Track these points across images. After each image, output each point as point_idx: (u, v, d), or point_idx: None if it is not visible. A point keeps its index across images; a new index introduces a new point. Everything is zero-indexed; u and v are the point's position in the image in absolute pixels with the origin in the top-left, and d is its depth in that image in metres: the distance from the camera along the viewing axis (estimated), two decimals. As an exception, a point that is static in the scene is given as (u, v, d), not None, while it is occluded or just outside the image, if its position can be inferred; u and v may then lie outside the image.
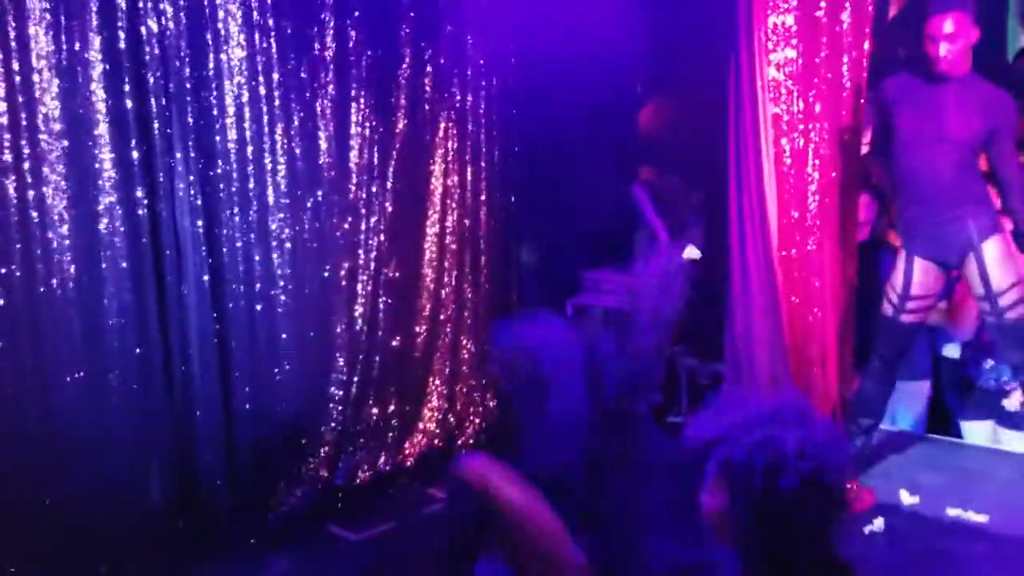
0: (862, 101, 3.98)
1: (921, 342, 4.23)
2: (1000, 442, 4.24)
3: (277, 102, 3.86)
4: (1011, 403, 4.13)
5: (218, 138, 3.67)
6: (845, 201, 4.03)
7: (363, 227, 4.26)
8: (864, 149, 4.26)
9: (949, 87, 3.52)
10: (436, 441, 4.62)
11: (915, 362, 4.27)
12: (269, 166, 3.85)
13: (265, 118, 3.82)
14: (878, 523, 3.59)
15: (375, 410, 4.34)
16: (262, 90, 3.80)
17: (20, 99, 3.17)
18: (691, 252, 2.96)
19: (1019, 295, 3.53)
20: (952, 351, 4.39)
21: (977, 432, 4.33)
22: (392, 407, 4.41)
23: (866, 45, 3.93)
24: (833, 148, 3.93)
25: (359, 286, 4.25)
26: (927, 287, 3.73)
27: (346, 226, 4.19)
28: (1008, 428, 4.18)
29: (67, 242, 3.30)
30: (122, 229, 3.43)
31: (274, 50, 3.83)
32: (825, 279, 3.95)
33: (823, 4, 3.84)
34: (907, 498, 3.79)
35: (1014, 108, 3.52)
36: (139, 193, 3.46)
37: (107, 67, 3.33)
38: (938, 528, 3.58)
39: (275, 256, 3.89)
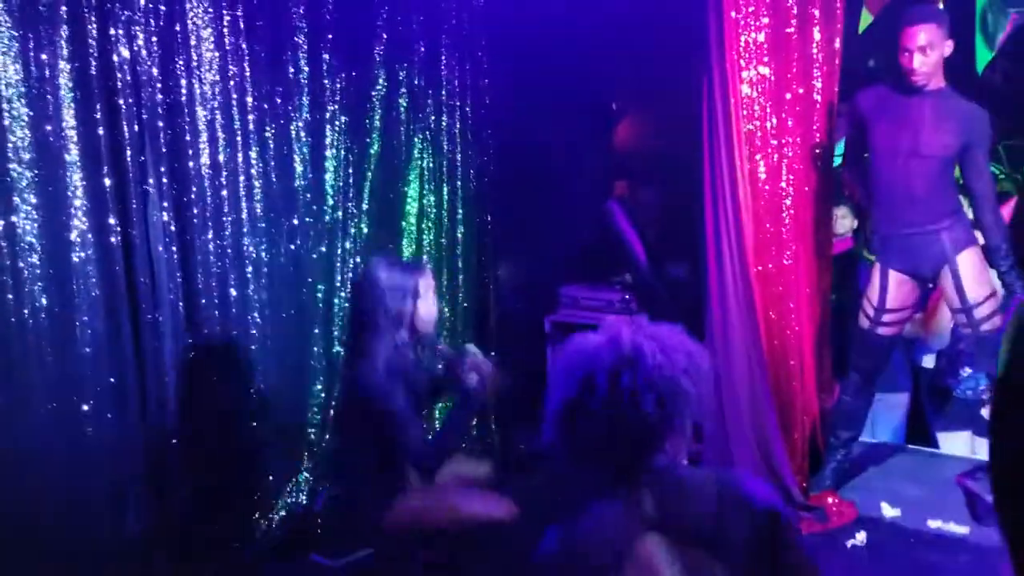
0: (834, 115, 4.02)
1: (899, 354, 4.26)
2: (977, 452, 4.26)
3: (251, 126, 3.85)
4: (988, 413, 4.15)
5: (192, 163, 3.64)
6: (819, 215, 4.06)
7: (339, 249, 4.25)
8: (837, 162, 4.29)
9: (924, 101, 3.54)
10: (417, 463, 4.58)
11: (894, 374, 4.30)
12: (244, 190, 3.83)
13: (239, 142, 3.80)
14: (860, 537, 3.60)
15: (354, 434, 4.31)
16: (236, 114, 3.78)
17: (-11, 127, 3.13)
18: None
19: (994, 307, 3.56)
20: (929, 361, 4.42)
21: (954, 442, 4.35)
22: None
23: (837, 60, 3.97)
24: (806, 163, 3.96)
25: (336, 309, 4.22)
26: (903, 300, 3.76)
27: (322, 249, 4.18)
28: (985, 438, 4.20)
29: (38, 271, 3.25)
30: (95, 257, 3.38)
31: (247, 74, 3.82)
32: (802, 293, 3.98)
33: (794, 21, 3.88)
34: (888, 510, 3.80)
35: (987, 121, 3.55)
36: (112, 220, 3.42)
37: (78, 94, 3.29)
38: (920, 540, 3.59)
39: (251, 281, 3.86)
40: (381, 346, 3.00)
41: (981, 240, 3.64)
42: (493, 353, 4.96)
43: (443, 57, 4.68)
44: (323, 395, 4.16)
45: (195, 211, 3.67)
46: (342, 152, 4.23)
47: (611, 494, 1.74)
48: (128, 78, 3.42)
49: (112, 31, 3.37)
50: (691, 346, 1.77)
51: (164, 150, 3.56)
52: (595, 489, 1.77)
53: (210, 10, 3.66)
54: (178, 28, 3.58)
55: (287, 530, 3.95)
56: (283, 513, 3.98)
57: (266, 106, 3.91)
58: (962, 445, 4.32)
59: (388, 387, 2.94)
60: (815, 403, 4.12)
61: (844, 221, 4.60)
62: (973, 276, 3.56)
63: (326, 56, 4.12)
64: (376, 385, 2.93)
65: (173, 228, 3.60)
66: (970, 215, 3.74)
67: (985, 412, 4.16)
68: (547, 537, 1.78)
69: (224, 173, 3.75)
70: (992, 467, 1.40)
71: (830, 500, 3.79)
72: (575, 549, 1.74)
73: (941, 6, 3.85)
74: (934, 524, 3.67)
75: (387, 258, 3.28)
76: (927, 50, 3.45)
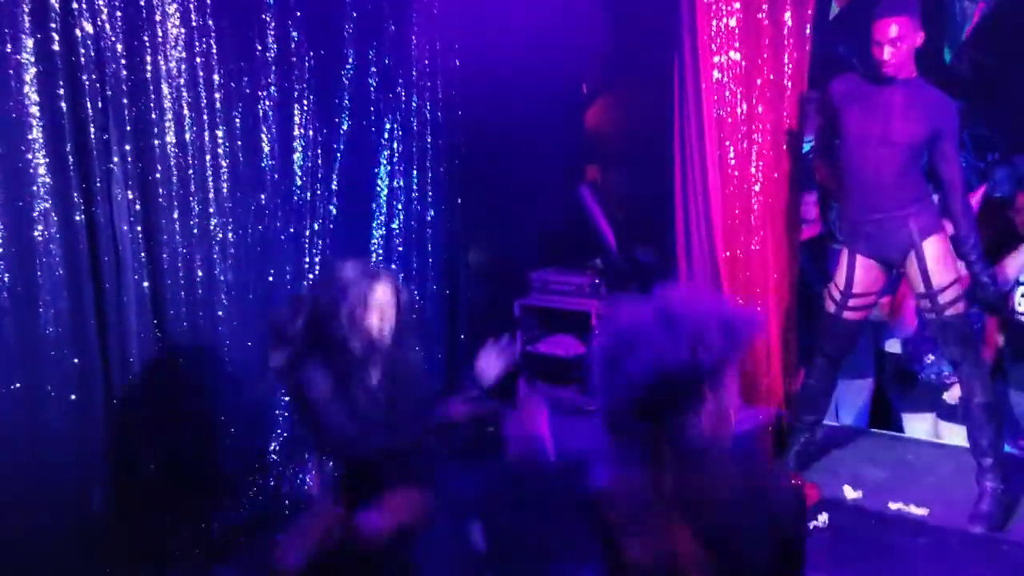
0: (804, 102, 4.05)
1: (864, 339, 4.30)
2: (940, 436, 4.33)
3: (218, 104, 3.80)
4: (951, 397, 4.22)
5: (157, 141, 3.59)
6: (788, 201, 4.09)
7: (308, 231, 4.21)
8: (804, 147, 4.32)
9: (895, 90, 3.57)
10: (385, 444, 4.58)
11: (858, 358, 4.34)
12: (210, 169, 3.78)
13: (206, 121, 3.75)
14: (822, 518, 3.65)
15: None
16: (202, 92, 3.73)
17: (-51, 103, 3.08)
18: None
19: (958, 292, 3.61)
20: (894, 346, 4.47)
21: (918, 426, 4.41)
22: (339, 412, 4.37)
23: (807, 46, 3.99)
24: (776, 149, 3.99)
25: (304, 291, 4.19)
26: (869, 284, 3.80)
27: (291, 230, 4.14)
28: (948, 421, 4.28)
29: (0, 249, 3.21)
30: (58, 235, 3.33)
31: (214, 51, 3.76)
32: (769, 278, 4.01)
33: (765, 7, 3.90)
34: (850, 493, 3.85)
35: (956, 110, 3.58)
36: (75, 198, 3.37)
37: (40, 69, 3.23)
38: (881, 522, 3.64)
39: (217, 261, 3.83)
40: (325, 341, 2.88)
41: (949, 228, 3.69)
42: (463, 336, 4.98)
43: (413, 37, 4.64)
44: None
45: (160, 190, 3.62)
46: (311, 132, 4.19)
47: (637, 462, 1.77)
48: (91, 54, 3.36)
49: (75, 4, 3.31)
50: (735, 323, 1.74)
51: (128, 128, 3.50)
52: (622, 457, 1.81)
53: (176, -15, 3.61)
54: (143, 3, 3.52)
55: (254, 511, 3.93)
56: (250, 493, 3.96)
57: (233, 84, 3.85)
58: (926, 428, 4.39)
59: (313, 376, 2.84)
60: (780, 386, 4.16)
61: (813, 208, 4.64)
62: (938, 262, 3.61)
63: (294, 34, 4.07)
64: (307, 376, 2.86)
65: (138, 207, 3.56)
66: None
67: (947, 396, 4.23)
68: (593, 477, 1.84)
69: (190, 152, 3.70)
70: None
71: (793, 482, 3.83)
72: (607, 497, 1.80)
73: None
74: (895, 506, 3.72)
75: (356, 261, 3.07)
76: (898, 42, 3.48)
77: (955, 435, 4.22)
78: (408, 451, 3.02)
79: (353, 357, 2.86)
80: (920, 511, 3.68)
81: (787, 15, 3.92)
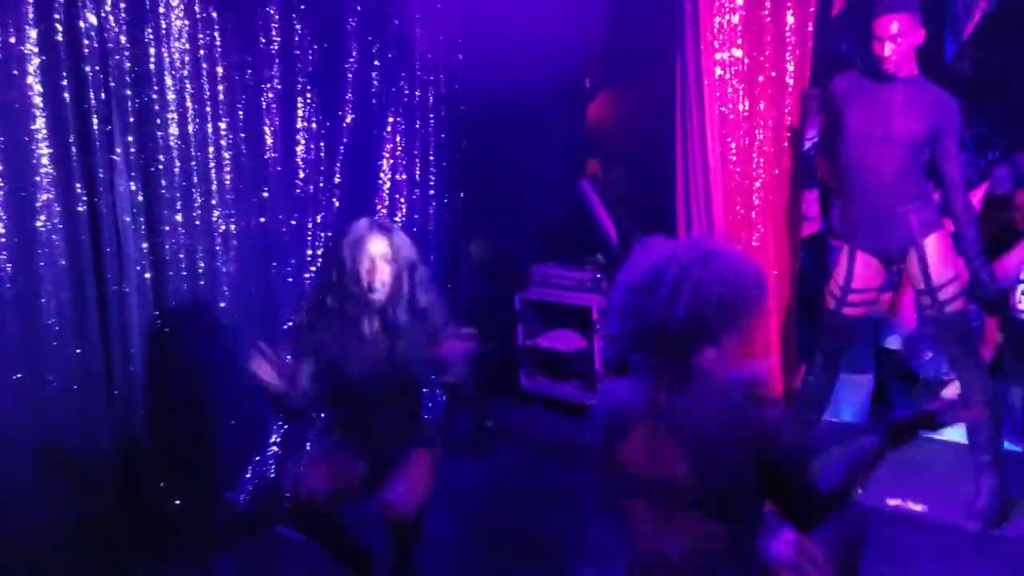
0: (806, 99, 4.05)
1: (864, 335, 4.31)
2: (939, 432, 4.34)
3: (221, 96, 3.80)
4: (949, 394, 4.22)
5: (160, 133, 3.60)
6: (789, 198, 4.10)
7: (310, 223, 4.22)
8: (808, 146, 4.33)
9: (896, 87, 3.58)
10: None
11: (858, 355, 4.36)
12: (213, 162, 3.79)
13: (209, 113, 3.76)
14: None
15: (323, 408, 4.31)
16: (205, 84, 3.74)
17: (-47, 93, 3.08)
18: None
19: (957, 289, 3.62)
20: (894, 343, 4.48)
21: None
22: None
23: (809, 44, 3.99)
24: (777, 146, 3.99)
25: (307, 283, 4.20)
26: (868, 281, 3.81)
27: (292, 222, 4.15)
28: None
29: (3, 240, 3.21)
30: (60, 226, 3.34)
31: (217, 43, 3.77)
32: (769, 275, 4.01)
33: (768, 4, 3.90)
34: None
35: (957, 108, 3.59)
36: (78, 189, 3.38)
37: (44, 60, 3.24)
38: (878, 517, 3.65)
39: (219, 253, 3.84)
40: (318, 297, 3.07)
41: (950, 226, 3.70)
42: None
43: (417, 31, 4.65)
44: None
45: (163, 182, 3.63)
46: (313, 125, 4.19)
47: (642, 375, 2.03)
48: (95, 45, 3.37)
49: (79, -4, 3.31)
50: (741, 277, 1.95)
51: (131, 119, 3.51)
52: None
53: (180, -23, 3.62)
54: (146, -6, 3.52)
55: (255, 502, 3.94)
56: (251, 486, 3.97)
57: (236, 76, 3.86)
58: (924, 426, 4.39)
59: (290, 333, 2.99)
60: (780, 383, 4.17)
61: (815, 205, 4.65)
62: (939, 258, 3.61)
63: (298, 27, 4.07)
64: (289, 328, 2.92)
65: (140, 198, 3.57)
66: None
67: (945, 393, 4.24)
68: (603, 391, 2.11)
69: (193, 144, 3.71)
70: None
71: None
72: (606, 410, 2.09)
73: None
74: (893, 502, 3.73)
75: (370, 217, 3.23)
76: (899, 39, 3.48)
77: (954, 432, 4.24)
78: (406, 392, 3.17)
79: (348, 305, 3.03)
80: (918, 507, 3.70)
81: (790, 12, 3.92)
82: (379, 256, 3.00)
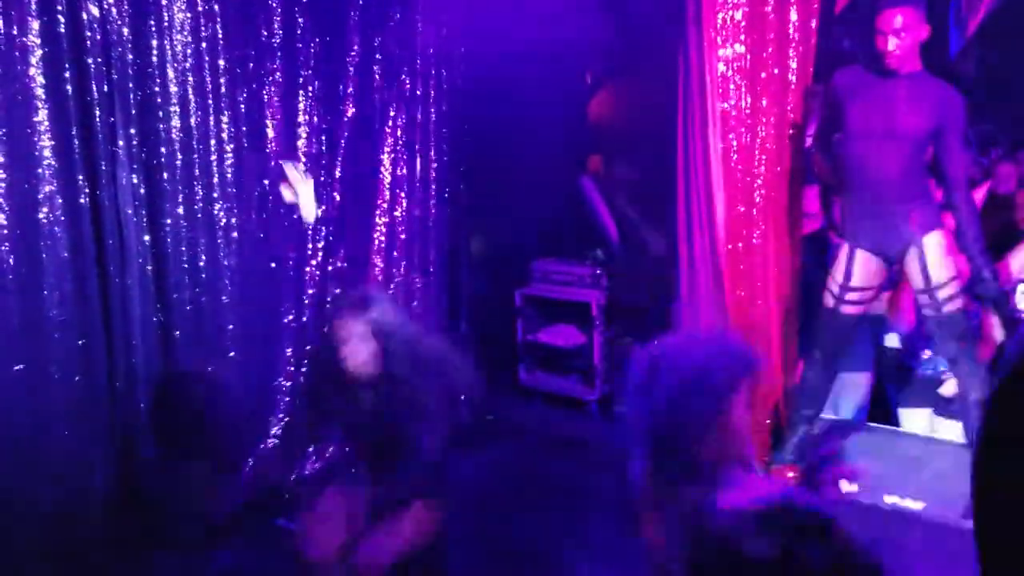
0: (809, 96, 4.04)
1: (863, 333, 4.31)
2: (936, 430, 4.34)
3: (223, 89, 3.81)
4: (946, 391, 4.23)
5: (162, 125, 3.61)
6: (790, 195, 4.09)
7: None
8: (808, 142, 4.32)
9: (899, 83, 3.56)
10: (385, 431, 4.61)
11: (856, 353, 4.35)
12: (215, 154, 3.80)
13: (210, 105, 3.77)
14: (818, 511, 3.66)
15: (323, 400, 4.32)
16: (207, 77, 3.75)
17: (-45, 85, 3.09)
18: None
19: (956, 288, 3.62)
20: (893, 340, 4.48)
21: (914, 420, 4.43)
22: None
23: (812, 40, 3.99)
24: (779, 143, 3.99)
25: (307, 276, 4.21)
26: (868, 279, 3.80)
27: (294, 216, 4.14)
28: (944, 417, 4.29)
29: (5, 231, 3.22)
30: (63, 218, 3.35)
31: (219, 36, 3.78)
32: (770, 272, 4.02)
33: (771, 0, 3.89)
34: (846, 486, 3.87)
35: (961, 104, 3.56)
36: (80, 181, 3.39)
37: (46, 51, 3.25)
38: (876, 515, 3.66)
39: (221, 246, 3.85)
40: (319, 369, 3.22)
41: (950, 223, 3.69)
42: (464, 324, 4.99)
43: (419, 25, 4.65)
44: (293, 360, 4.15)
45: (165, 174, 3.64)
46: (315, 119, 4.20)
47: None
48: (98, 37, 3.38)
49: (82, -12, 3.32)
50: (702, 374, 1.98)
51: (134, 112, 3.53)
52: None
53: (182, -30, 3.62)
54: (149, -13, 3.53)
55: (255, 494, 3.95)
56: (251, 478, 3.99)
57: (238, 70, 3.87)
58: (922, 423, 4.40)
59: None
60: (780, 380, 4.17)
61: (816, 201, 4.64)
62: (938, 257, 3.61)
63: (300, 20, 4.07)
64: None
65: (143, 191, 3.58)
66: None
67: (942, 391, 4.24)
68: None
69: (195, 136, 3.72)
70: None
71: (790, 475, 3.86)
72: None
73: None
74: (890, 500, 3.74)
75: (349, 293, 3.33)
76: (902, 33, 3.47)
77: (951, 430, 4.24)
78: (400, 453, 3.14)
79: (344, 378, 3.07)
80: (915, 505, 3.70)
81: (793, 9, 3.91)
82: (356, 337, 3.00)
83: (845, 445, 4.09)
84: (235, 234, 3.88)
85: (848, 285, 3.77)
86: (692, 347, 2.01)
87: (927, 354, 4.23)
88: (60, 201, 3.34)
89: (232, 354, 3.88)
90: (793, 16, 3.92)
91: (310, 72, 4.14)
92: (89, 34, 3.34)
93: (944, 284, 3.59)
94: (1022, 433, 1.17)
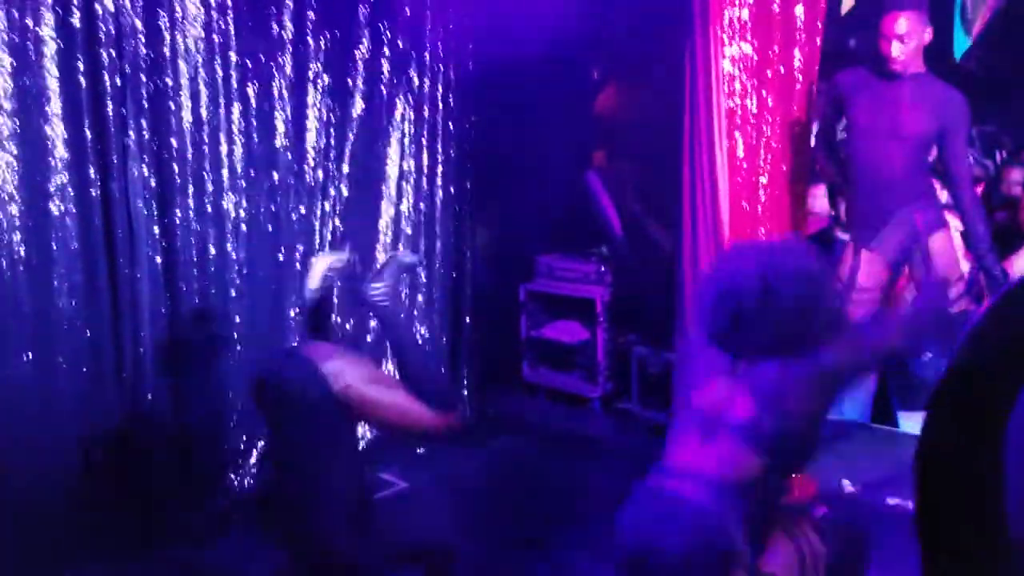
0: (815, 95, 4.06)
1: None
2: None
3: (234, 83, 3.83)
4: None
5: (173, 118, 3.63)
6: (794, 194, 4.11)
7: (319, 210, 4.25)
8: (812, 141, 4.34)
9: (903, 84, 3.58)
10: (389, 424, 4.63)
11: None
12: (224, 147, 3.82)
13: (221, 99, 3.78)
14: (819, 511, 3.68)
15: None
16: (218, 70, 3.76)
17: (-31, 76, 3.11)
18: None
19: (962, 289, 3.64)
20: (895, 341, 4.50)
21: (916, 422, 4.45)
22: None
23: (818, 40, 4.00)
24: (784, 142, 4.01)
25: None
26: (873, 279, 3.82)
27: (302, 209, 4.17)
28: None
29: (17, 222, 3.25)
30: (74, 209, 3.38)
31: (231, 30, 3.79)
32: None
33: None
34: (848, 487, 3.90)
35: (965, 105, 3.59)
36: (92, 173, 3.41)
37: (60, 44, 3.27)
38: (877, 516, 3.69)
39: (229, 238, 3.86)
40: None
41: (954, 223, 3.71)
42: (468, 319, 5.01)
43: (428, 20, 4.65)
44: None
45: (175, 167, 3.66)
46: (324, 112, 4.21)
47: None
48: (111, 30, 3.40)
49: (96, -19, 3.34)
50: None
51: (146, 104, 3.54)
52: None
53: (195, -36, 3.64)
54: (163, -20, 3.55)
55: (257, 488, 3.97)
56: (255, 469, 4.01)
57: (249, 63, 3.88)
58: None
59: None
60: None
61: (822, 200, 4.66)
62: (943, 258, 3.64)
63: (311, 14, 4.08)
64: None
65: (153, 183, 3.60)
66: (944, 198, 3.81)
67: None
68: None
69: (205, 129, 3.74)
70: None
71: (792, 475, 3.88)
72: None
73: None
74: (892, 501, 3.76)
75: None
76: (906, 37, 3.49)
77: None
78: None
79: None
80: (916, 505, 3.72)
81: (799, 8, 3.93)
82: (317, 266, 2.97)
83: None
84: (244, 227, 3.90)
85: (854, 285, 3.79)
86: (787, 256, 2.12)
87: (928, 355, 4.25)
88: (72, 193, 3.37)
89: (239, 347, 3.90)
90: (800, 15, 3.94)
91: (320, 66, 4.16)
92: (103, 26, 3.37)
93: (950, 285, 3.61)
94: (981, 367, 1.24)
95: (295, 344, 3.77)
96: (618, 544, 2.19)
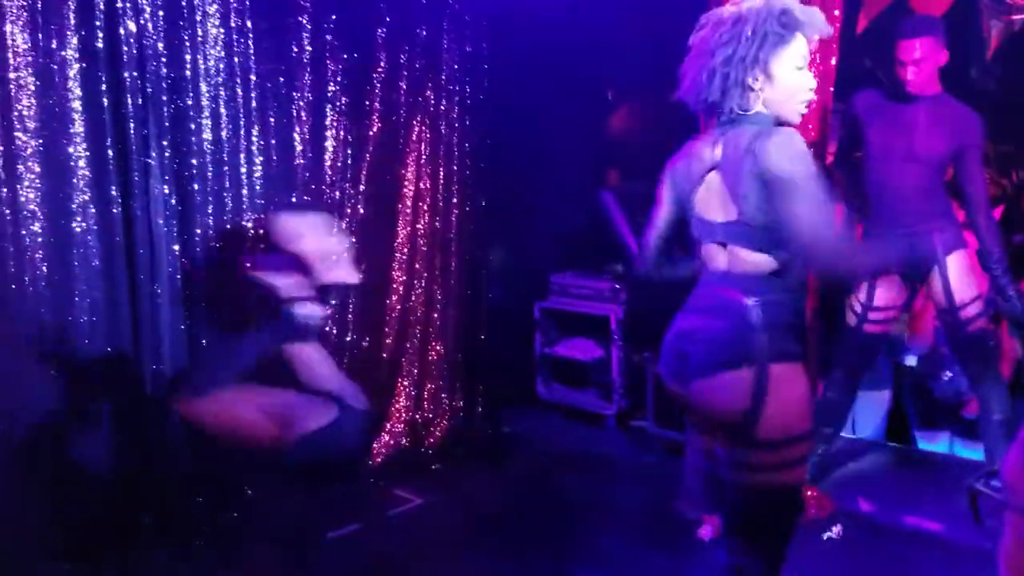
0: (830, 115, 4.07)
1: (883, 352, 4.33)
2: (956, 452, 4.35)
3: (253, 103, 3.88)
4: (967, 414, 4.24)
5: (193, 138, 3.67)
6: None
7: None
8: (828, 159, 4.35)
9: (919, 106, 3.59)
10: (404, 441, 4.65)
11: (877, 371, 4.37)
12: (244, 167, 3.86)
13: (241, 119, 3.83)
14: (836, 529, 3.68)
15: (344, 411, 4.35)
16: (238, 91, 3.81)
17: (-5, 96, 3.16)
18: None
19: (979, 309, 3.63)
20: (912, 360, 4.49)
21: (933, 440, 4.44)
22: (360, 408, 4.43)
23: (833, 60, 4.01)
24: (800, 162, 4.01)
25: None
26: (890, 299, 3.82)
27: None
28: (964, 439, 4.30)
29: (40, 239, 3.29)
30: (95, 227, 3.42)
31: (251, 51, 3.84)
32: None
33: (793, 20, 3.92)
34: (865, 505, 3.89)
35: (981, 125, 3.59)
36: (113, 192, 3.46)
37: (84, 65, 3.32)
38: (894, 535, 3.67)
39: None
40: None
41: (973, 242, 3.71)
42: (483, 336, 5.03)
43: (444, 42, 4.71)
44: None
45: (195, 186, 3.70)
46: (342, 132, 4.26)
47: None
48: (134, 51, 3.45)
49: (119, 3, 3.40)
50: None
51: (167, 124, 3.59)
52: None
53: (216, -14, 3.69)
54: (184, 3, 3.60)
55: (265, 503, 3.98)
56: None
57: (269, 84, 3.93)
58: (941, 445, 4.41)
59: None
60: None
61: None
62: (961, 278, 3.63)
63: (328, 37, 4.14)
64: None
65: (174, 201, 3.64)
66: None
67: (964, 413, 4.25)
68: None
69: (225, 149, 3.78)
70: None
71: (809, 493, 3.87)
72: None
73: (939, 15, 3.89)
74: (910, 520, 3.75)
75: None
76: (921, 62, 3.51)
77: (972, 451, 4.25)
78: None
79: None
80: (934, 525, 3.71)
81: (815, 29, 3.95)
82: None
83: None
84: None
85: (871, 305, 3.79)
86: None
87: (948, 375, 4.24)
88: (93, 211, 3.41)
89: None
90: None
91: (337, 87, 4.20)
92: (125, 48, 3.42)
93: (968, 304, 3.61)
94: None
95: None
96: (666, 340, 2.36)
